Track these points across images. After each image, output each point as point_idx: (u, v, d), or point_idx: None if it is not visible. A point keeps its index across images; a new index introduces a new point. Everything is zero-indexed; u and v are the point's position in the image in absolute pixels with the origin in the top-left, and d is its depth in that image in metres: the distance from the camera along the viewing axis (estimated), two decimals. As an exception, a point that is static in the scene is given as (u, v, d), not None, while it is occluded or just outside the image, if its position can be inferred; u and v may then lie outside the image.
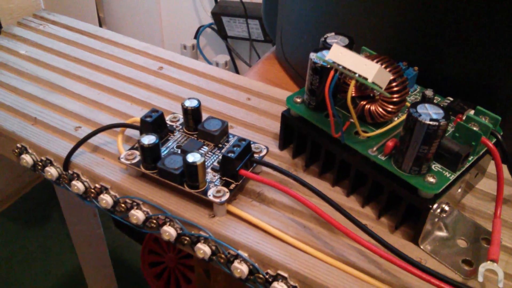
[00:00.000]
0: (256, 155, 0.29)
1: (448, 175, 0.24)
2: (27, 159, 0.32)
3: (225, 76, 0.38)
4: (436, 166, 0.24)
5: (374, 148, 0.25)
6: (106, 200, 0.29)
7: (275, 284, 0.25)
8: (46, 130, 0.33)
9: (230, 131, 0.33)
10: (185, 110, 0.30)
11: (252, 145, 0.30)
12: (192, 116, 0.30)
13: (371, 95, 0.26)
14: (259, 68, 0.46)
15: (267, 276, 0.25)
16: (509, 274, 0.24)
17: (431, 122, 0.22)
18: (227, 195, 0.26)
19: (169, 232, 0.27)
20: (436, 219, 0.25)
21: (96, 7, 1.11)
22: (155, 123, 0.29)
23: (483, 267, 0.22)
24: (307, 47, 0.40)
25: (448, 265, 0.24)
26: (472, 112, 0.26)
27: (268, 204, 0.28)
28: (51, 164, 0.31)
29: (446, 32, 0.30)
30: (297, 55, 0.42)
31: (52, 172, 0.31)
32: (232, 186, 0.27)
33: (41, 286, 0.91)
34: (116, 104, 0.35)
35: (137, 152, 0.28)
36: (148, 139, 0.27)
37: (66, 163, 0.30)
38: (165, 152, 0.29)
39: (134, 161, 0.28)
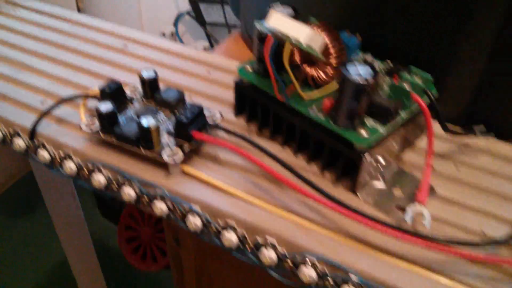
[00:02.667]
0: (209, 121, 0.31)
1: (380, 130, 0.26)
2: (-4, 132, 0.34)
3: (187, 52, 0.39)
4: (369, 122, 0.26)
5: (314, 107, 0.27)
6: (70, 166, 0.31)
7: (224, 232, 0.27)
8: (14, 105, 0.34)
9: (190, 101, 0.35)
10: (143, 80, 0.31)
11: (207, 112, 0.31)
12: (149, 85, 0.32)
13: (314, 61, 0.28)
14: (225, 47, 0.48)
15: (218, 226, 0.27)
16: (441, 218, 0.26)
17: (359, 79, 0.24)
18: (180, 156, 0.28)
19: (128, 192, 0.29)
20: (373, 171, 0.27)
21: (75, -3, 1.12)
22: (113, 93, 0.31)
23: (410, 209, 0.24)
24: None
25: (383, 212, 0.26)
26: (406, 73, 0.28)
27: (222, 165, 0.30)
28: (19, 135, 0.33)
29: (387, 2, 0.32)
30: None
31: (19, 143, 0.33)
32: (186, 147, 0.29)
33: (28, 277, 0.92)
34: (81, 79, 0.36)
35: (97, 119, 0.30)
36: (106, 106, 0.29)
37: (32, 133, 0.32)
38: (124, 120, 0.31)
39: (94, 128, 0.30)
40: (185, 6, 1.02)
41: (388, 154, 0.28)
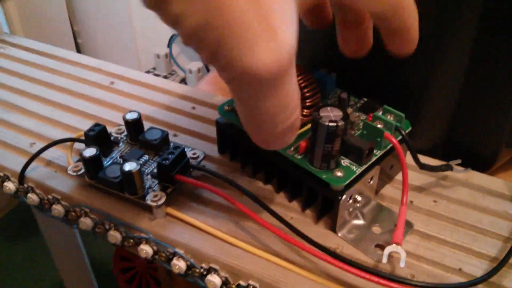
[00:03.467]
0: (193, 161, 0.32)
1: (354, 169, 0.26)
2: (-14, 176, 0.34)
3: (172, 87, 0.40)
4: (345, 161, 0.27)
5: (292, 149, 0.28)
6: (58, 210, 0.31)
7: (208, 276, 0.27)
8: (3, 147, 0.35)
9: (175, 139, 0.35)
10: (126, 122, 0.32)
11: (191, 151, 0.32)
12: (133, 127, 0.32)
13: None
14: (212, 77, 0.49)
15: (202, 270, 0.28)
16: (419, 255, 0.27)
17: (330, 124, 0.24)
18: (163, 199, 0.29)
19: (115, 236, 0.30)
20: (351, 209, 0.28)
21: (70, 21, 1.13)
22: (97, 136, 0.31)
23: (387, 250, 0.25)
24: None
25: (362, 250, 0.27)
26: (380, 112, 0.29)
27: (205, 205, 0.30)
28: (9, 179, 0.34)
29: None
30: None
31: (10, 186, 0.33)
32: (169, 190, 0.29)
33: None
34: (68, 119, 0.37)
35: (82, 164, 0.31)
36: (89, 152, 0.29)
37: (21, 177, 0.33)
38: (109, 162, 0.31)
39: (80, 172, 0.31)
40: (178, 27, 1.03)
41: (367, 191, 0.29)
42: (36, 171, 0.33)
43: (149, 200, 0.29)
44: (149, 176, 0.30)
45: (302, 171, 0.27)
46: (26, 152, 0.35)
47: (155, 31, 1.09)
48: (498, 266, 0.25)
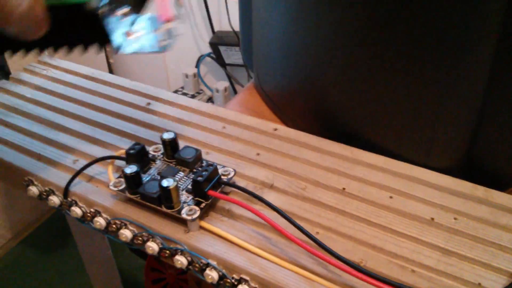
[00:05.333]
0: (224, 177, 0.34)
1: None
2: (33, 190, 0.37)
3: (203, 108, 0.43)
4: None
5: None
6: (99, 222, 0.34)
7: (239, 286, 0.29)
8: (48, 164, 0.38)
9: (207, 156, 0.38)
10: (164, 142, 0.35)
11: (222, 169, 0.34)
12: (170, 146, 0.35)
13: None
14: (240, 98, 0.51)
15: (233, 280, 0.29)
16: (439, 270, 0.28)
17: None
18: (197, 213, 0.31)
19: (152, 247, 0.32)
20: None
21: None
22: (137, 154, 0.34)
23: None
24: (278, 80, 0.44)
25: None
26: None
27: (235, 219, 0.32)
28: (53, 193, 0.36)
29: None
30: (271, 86, 0.47)
31: (54, 200, 0.36)
32: (203, 205, 0.31)
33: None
34: (108, 138, 0.40)
35: (123, 180, 0.33)
36: (130, 169, 0.32)
37: (66, 192, 0.35)
38: (148, 179, 0.34)
39: (121, 188, 0.33)
40: (206, 48, 1.07)
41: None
42: (79, 186, 0.35)
43: (184, 214, 0.31)
44: (184, 192, 0.33)
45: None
46: (70, 169, 0.37)
47: (184, 52, 1.13)
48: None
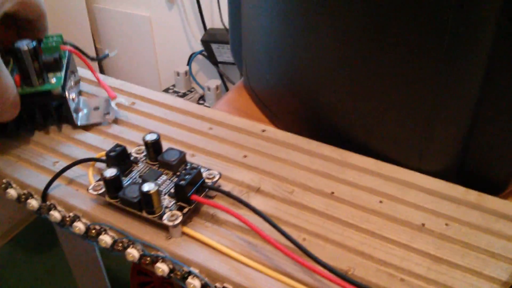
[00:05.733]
0: (209, 181, 0.32)
1: (59, 75, 0.38)
2: (11, 192, 0.36)
3: (190, 108, 0.41)
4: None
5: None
6: (79, 227, 0.32)
7: (222, 296, 0.28)
8: (27, 165, 0.37)
9: (192, 159, 0.36)
10: (146, 144, 0.33)
11: (207, 172, 0.33)
12: (153, 148, 0.33)
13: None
14: (229, 97, 0.50)
15: (216, 290, 0.28)
16: (430, 279, 0.27)
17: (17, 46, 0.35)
18: (180, 219, 0.30)
19: (132, 253, 0.30)
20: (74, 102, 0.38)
21: (93, 39, 1.16)
22: (118, 156, 0.33)
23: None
24: (267, 79, 0.43)
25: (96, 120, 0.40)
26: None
27: (220, 225, 0.31)
28: (32, 196, 0.35)
29: None
30: (260, 85, 0.45)
31: (33, 204, 0.35)
32: (185, 210, 0.30)
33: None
34: (91, 139, 0.39)
35: (103, 183, 0.32)
36: (110, 172, 0.31)
37: (44, 195, 0.34)
38: (128, 182, 0.33)
39: (100, 192, 0.32)
40: (198, 46, 1.06)
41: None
42: (59, 189, 0.34)
43: (166, 219, 0.30)
44: (166, 196, 0.31)
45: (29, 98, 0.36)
46: (49, 171, 0.36)
47: (175, 50, 1.11)
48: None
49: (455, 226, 0.30)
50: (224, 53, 1.01)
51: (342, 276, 0.26)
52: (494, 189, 0.33)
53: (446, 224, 0.30)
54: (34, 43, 0.36)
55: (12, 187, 0.36)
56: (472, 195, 0.32)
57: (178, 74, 1.08)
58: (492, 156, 0.33)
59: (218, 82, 1.05)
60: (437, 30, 0.29)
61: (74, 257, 0.69)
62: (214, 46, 1.01)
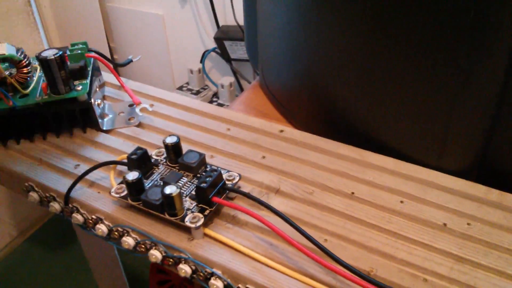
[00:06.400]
0: (229, 182, 0.33)
1: (85, 82, 0.39)
2: (34, 196, 0.37)
3: (207, 109, 0.42)
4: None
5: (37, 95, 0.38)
6: (101, 229, 0.33)
7: (245, 296, 0.28)
8: (49, 169, 0.37)
9: (211, 160, 0.37)
10: (166, 146, 0.34)
11: (226, 173, 0.33)
12: (173, 150, 0.34)
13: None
14: (245, 97, 0.50)
15: (238, 290, 0.29)
16: (452, 278, 0.27)
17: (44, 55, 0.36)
18: (201, 221, 0.30)
19: (155, 255, 0.31)
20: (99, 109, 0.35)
21: (106, 38, 1.17)
22: (139, 159, 0.33)
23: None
24: (284, 78, 0.43)
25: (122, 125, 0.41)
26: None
27: (241, 226, 0.31)
28: (54, 199, 0.36)
29: None
30: (277, 85, 0.45)
31: (56, 206, 0.36)
32: (207, 212, 0.31)
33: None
34: (111, 142, 0.39)
35: (125, 186, 0.32)
36: (132, 176, 0.31)
37: (66, 199, 0.34)
38: (150, 184, 0.33)
39: (122, 194, 0.32)
40: (211, 44, 1.06)
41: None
42: (80, 192, 0.35)
43: (188, 221, 0.30)
44: (187, 198, 0.32)
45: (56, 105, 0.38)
46: (71, 174, 0.36)
47: (189, 47, 1.11)
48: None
49: (477, 226, 0.30)
50: (237, 50, 1.01)
51: (365, 277, 0.26)
52: (515, 188, 0.32)
53: (468, 224, 0.30)
54: (61, 52, 0.37)
55: (34, 190, 0.37)
56: (494, 194, 0.32)
57: (191, 71, 1.08)
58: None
59: (232, 79, 1.05)
60: (458, 28, 0.29)
61: (93, 256, 0.70)
62: (227, 43, 1.01)
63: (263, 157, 0.37)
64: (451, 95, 0.32)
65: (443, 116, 0.33)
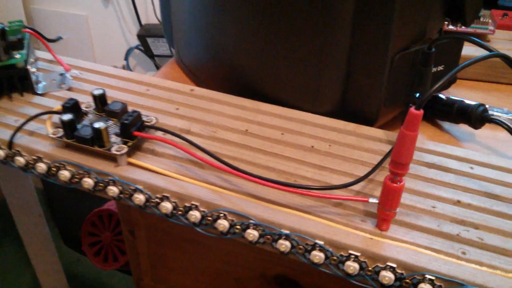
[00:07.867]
0: (148, 124, 0.41)
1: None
2: (-22, 147, 0.42)
3: (130, 76, 0.50)
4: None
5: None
6: (41, 167, 0.40)
7: (162, 203, 0.36)
8: (-8, 124, 0.43)
9: (133, 112, 0.44)
10: (94, 97, 0.41)
11: (146, 118, 0.41)
12: (100, 100, 0.41)
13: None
14: (162, 71, 0.58)
15: (156, 200, 0.37)
16: (316, 180, 0.37)
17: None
18: (125, 149, 0.38)
19: (88, 182, 0.38)
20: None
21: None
22: (72, 107, 0.40)
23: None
24: (194, 49, 0.52)
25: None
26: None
27: (158, 155, 0.40)
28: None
29: None
30: (190, 58, 0.54)
31: (0, 153, 0.42)
32: (130, 143, 0.38)
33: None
34: (46, 102, 0.46)
35: (60, 129, 0.40)
36: (67, 116, 0.38)
37: (10, 144, 0.41)
38: (81, 127, 0.40)
39: (59, 135, 0.39)
40: (134, 41, 1.13)
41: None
42: (22, 139, 0.41)
43: (114, 150, 0.38)
44: (113, 135, 0.39)
45: None
46: (13, 126, 0.43)
47: (112, 45, 1.18)
48: (367, 174, 0.36)
49: (336, 146, 0.40)
50: (159, 46, 1.09)
51: (252, 174, 0.35)
52: (368, 122, 0.43)
53: (329, 145, 0.40)
54: (2, 26, 0.43)
55: (-22, 142, 0.43)
56: (350, 126, 0.42)
57: (115, 68, 1.14)
58: (363, 97, 0.43)
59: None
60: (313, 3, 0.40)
61: (31, 245, 0.74)
62: (149, 40, 1.08)
63: (177, 108, 0.45)
64: (317, 55, 0.43)
65: (314, 73, 0.43)
